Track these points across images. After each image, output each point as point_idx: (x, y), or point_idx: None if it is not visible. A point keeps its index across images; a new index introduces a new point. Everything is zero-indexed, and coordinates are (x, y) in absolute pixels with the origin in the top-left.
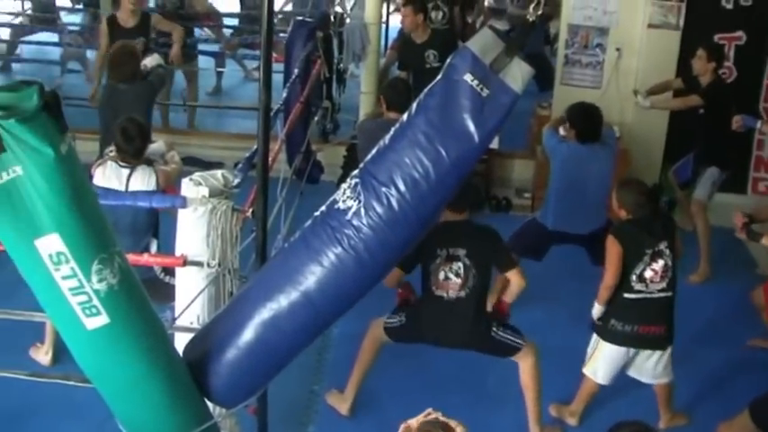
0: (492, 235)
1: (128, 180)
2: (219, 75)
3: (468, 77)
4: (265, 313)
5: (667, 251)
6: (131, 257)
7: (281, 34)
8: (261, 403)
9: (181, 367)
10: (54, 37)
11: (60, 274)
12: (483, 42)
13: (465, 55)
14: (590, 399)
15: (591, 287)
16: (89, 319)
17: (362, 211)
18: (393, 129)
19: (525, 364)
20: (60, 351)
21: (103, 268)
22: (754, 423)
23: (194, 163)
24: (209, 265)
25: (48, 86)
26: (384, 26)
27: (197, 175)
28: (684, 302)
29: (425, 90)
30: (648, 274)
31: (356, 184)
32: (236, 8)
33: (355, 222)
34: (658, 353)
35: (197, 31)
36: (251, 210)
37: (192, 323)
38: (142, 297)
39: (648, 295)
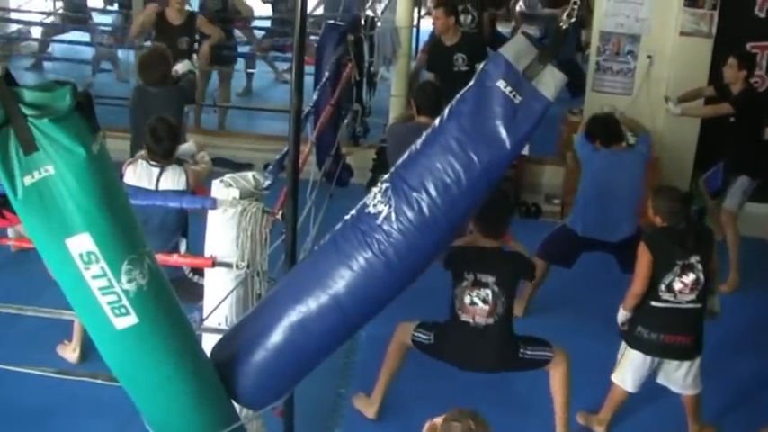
0: (522, 262)
1: (158, 179)
2: (250, 76)
3: (500, 84)
4: (294, 316)
5: (699, 266)
6: (160, 257)
7: (312, 37)
8: (287, 405)
9: (208, 368)
10: (85, 36)
11: (90, 274)
12: (516, 49)
13: (498, 61)
14: (618, 407)
15: (620, 295)
16: (118, 319)
17: (393, 215)
18: (425, 134)
19: (556, 372)
20: (88, 349)
21: (133, 268)
22: None
23: (224, 164)
24: (238, 266)
25: (79, 86)
26: (415, 29)
27: (228, 177)
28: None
29: (458, 96)
30: (678, 286)
31: (387, 189)
32: (267, 10)
33: (386, 227)
34: (687, 363)
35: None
36: (281, 212)
37: (220, 324)
38: (171, 298)
39: (676, 305)
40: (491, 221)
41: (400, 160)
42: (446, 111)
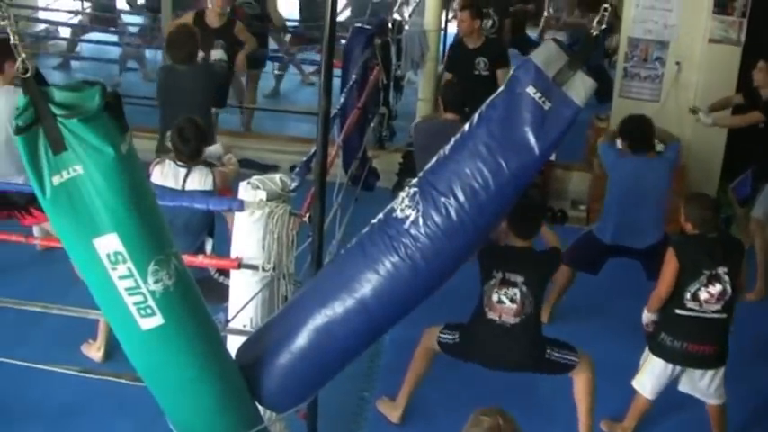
0: (551, 261)
1: (184, 180)
2: (278, 78)
3: (530, 90)
4: (320, 319)
5: (726, 277)
6: (186, 259)
7: (340, 40)
8: (311, 408)
9: (233, 370)
10: (112, 36)
11: (117, 274)
12: (546, 55)
13: (528, 67)
14: (642, 416)
15: (645, 302)
16: (144, 320)
17: (421, 220)
18: (453, 139)
19: (580, 379)
20: (112, 348)
21: (160, 269)
22: None
23: (250, 166)
24: (264, 268)
25: (107, 86)
26: (443, 33)
27: (255, 179)
28: (740, 321)
29: (488, 101)
30: (704, 295)
31: (415, 194)
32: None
33: (413, 231)
34: (711, 372)
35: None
36: (308, 214)
37: (245, 326)
38: (197, 299)
39: (701, 314)
40: (523, 222)
41: (429, 165)
42: (475, 116)
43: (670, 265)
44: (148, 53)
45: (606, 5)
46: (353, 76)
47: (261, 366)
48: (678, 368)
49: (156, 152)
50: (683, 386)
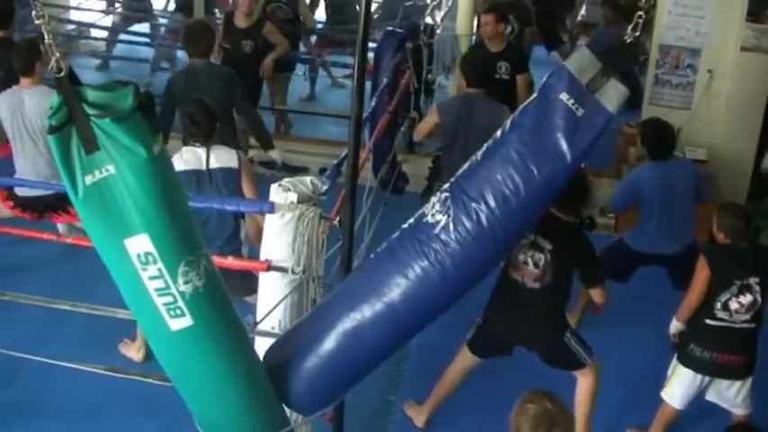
0: (585, 244)
1: (207, 159)
2: (313, 82)
3: (564, 96)
4: (348, 323)
5: (758, 287)
6: (216, 260)
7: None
8: (337, 411)
9: (261, 372)
10: (144, 37)
11: (147, 275)
12: (580, 62)
13: (562, 74)
14: (668, 425)
15: (673, 311)
16: (173, 320)
17: (451, 225)
18: (486, 145)
19: (585, 382)
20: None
21: (190, 270)
22: None
23: (280, 167)
24: (293, 271)
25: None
26: (474, 38)
27: (286, 181)
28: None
29: (521, 107)
30: (734, 305)
31: (446, 199)
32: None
33: (443, 236)
34: (738, 383)
35: None
36: (338, 218)
37: (273, 328)
38: (226, 300)
39: (731, 324)
40: (567, 197)
41: (460, 170)
42: (508, 122)
43: (702, 274)
44: (180, 54)
45: (641, 13)
46: (384, 80)
47: (288, 369)
48: (707, 378)
49: None
50: (711, 396)
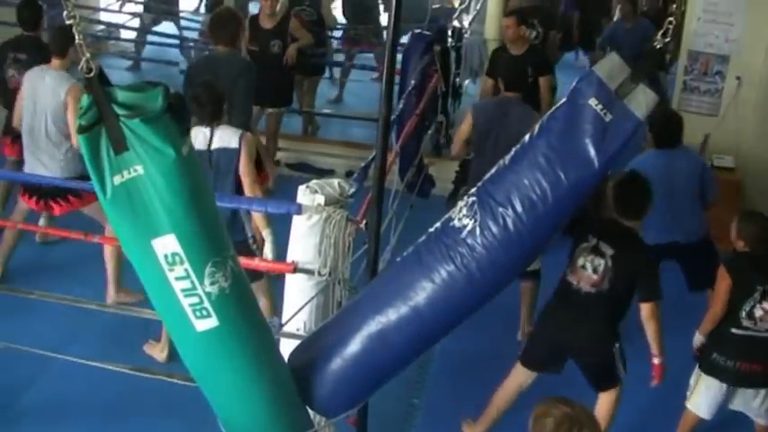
0: (647, 253)
1: (210, 137)
2: (342, 84)
3: (592, 102)
4: (373, 326)
5: None
6: (241, 260)
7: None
8: (361, 414)
9: (285, 373)
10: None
11: (174, 275)
12: (610, 67)
13: (591, 79)
14: None
15: (692, 322)
16: (199, 321)
17: (478, 230)
18: (514, 149)
19: (608, 397)
20: (175, 349)
21: (216, 271)
22: None
23: (306, 169)
24: (319, 273)
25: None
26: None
27: (313, 183)
28: None
29: (549, 112)
30: (759, 312)
31: (473, 203)
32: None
33: (470, 241)
34: (763, 391)
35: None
36: (364, 221)
37: (298, 330)
38: (252, 302)
39: (755, 333)
40: (629, 201)
41: (488, 174)
42: (536, 126)
43: (723, 284)
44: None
45: (671, 19)
46: (412, 82)
47: (313, 371)
48: (731, 387)
49: None
50: (736, 405)
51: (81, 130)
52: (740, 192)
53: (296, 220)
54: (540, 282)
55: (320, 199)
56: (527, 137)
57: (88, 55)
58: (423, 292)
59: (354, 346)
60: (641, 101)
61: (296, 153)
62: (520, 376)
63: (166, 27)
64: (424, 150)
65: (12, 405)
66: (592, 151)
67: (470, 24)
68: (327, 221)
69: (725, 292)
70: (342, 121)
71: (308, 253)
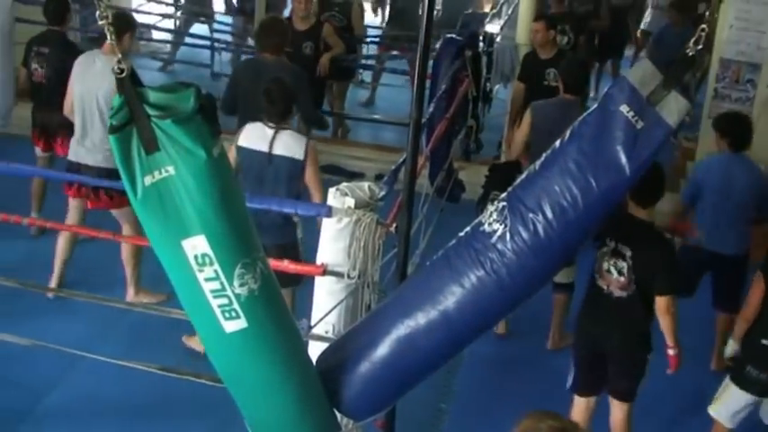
0: (665, 246)
1: (272, 141)
2: (374, 88)
3: (624, 108)
4: (402, 330)
5: None
6: (272, 262)
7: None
8: (388, 418)
9: (313, 376)
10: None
11: (203, 276)
12: (642, 74)
13: (623, 86)
14: None
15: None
16: (228, 322)
17: (508, 235)
18: (544, 155)
19: (625, 406)
20: None
21: (246, 273)
22: None
23: (337, 172)
24: (348, 276)
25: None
26: None
27: (344, 186)
28: None
29: (580, 118)
30: None
31: (503, 208)
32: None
33: (500, 246)
34: None
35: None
36: (394, 224)
37: (327, 333)
38: (281, 303)
39: None
40: (643, 188)
41: (518, 180)
42: (567, 132)
43: (757, 288)
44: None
45: (704, 26)
46: (443, 86)
47: (341, 374)
48: (756, 398)
49: None
50: (764, 414)
51: (112, 130)
52: None
53: (326, 222)
54: (573, 294)
55: (350, 202)
56: (557, 142)
57: (120, 55)
58: (452, 297)
59: (383, 349)
60: (673, 108)
61: (326, 156)
62: (580, 406)
63: (197, 29)
64: (453, 155)
65: (38, 403)
66: (623, 158)
67: (502, 29)
68: (357, 224)
69: (758, 298)
70: (372, 124)
71: (337, 256)
